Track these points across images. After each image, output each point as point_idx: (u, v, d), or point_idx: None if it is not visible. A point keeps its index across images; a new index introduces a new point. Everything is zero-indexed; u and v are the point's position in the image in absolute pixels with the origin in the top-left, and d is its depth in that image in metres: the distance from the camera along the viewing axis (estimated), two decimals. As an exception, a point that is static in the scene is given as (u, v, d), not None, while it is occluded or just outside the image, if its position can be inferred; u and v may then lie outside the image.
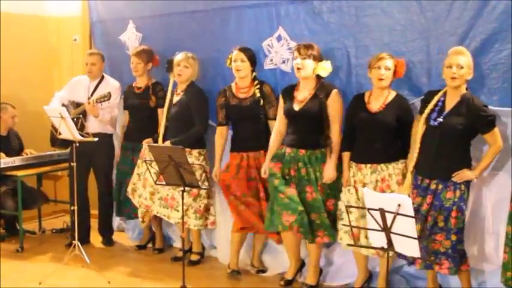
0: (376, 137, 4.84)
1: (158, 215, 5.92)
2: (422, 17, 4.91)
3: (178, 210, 5.54)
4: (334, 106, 5.04)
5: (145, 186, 5.92)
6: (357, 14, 5.20)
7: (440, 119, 4.49)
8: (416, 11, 4.93)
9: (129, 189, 6.12)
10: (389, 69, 4.78)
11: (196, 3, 6.12)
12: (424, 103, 4.66)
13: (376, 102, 4.87)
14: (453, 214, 4.43)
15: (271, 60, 5.65)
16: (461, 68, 4.41)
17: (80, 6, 7.41)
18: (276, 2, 5.56)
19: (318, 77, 5.09)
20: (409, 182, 4.66)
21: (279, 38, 5.58)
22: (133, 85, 6.36)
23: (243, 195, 5.47)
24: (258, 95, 5.45)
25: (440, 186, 4.49)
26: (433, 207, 4.49)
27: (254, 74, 5.52)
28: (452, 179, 4.44)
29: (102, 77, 6.50)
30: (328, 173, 5.02)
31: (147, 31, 6.59)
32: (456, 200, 4.44)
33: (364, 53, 5.11)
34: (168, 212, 5.80)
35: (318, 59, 5.04)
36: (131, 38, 6.73)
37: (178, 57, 5.82)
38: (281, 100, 5.27)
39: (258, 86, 5.47)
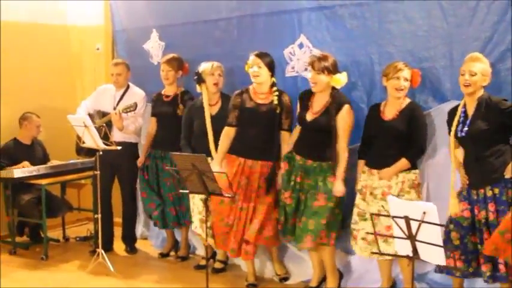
0: (389, 144, 4.87)
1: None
2: (445, 22, 4.89)
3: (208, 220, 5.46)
4: (343, 122, 5.02)
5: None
6: (379, 20, 5.19)
7: (466, 128, 4.47)
8: (439, 16, 4.91)
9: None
10: (407, 80, 4.80)
11: (219, 12, 6.15)
12: (450, 122, 4.64)
13: (390, 110, 4.89)
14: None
15: (293, 67, 5.64)
16: (474, 75, 4.38)
17: (103, 15, 7.47)
18: (297, 9, 5.57)
19: (334, 88, 5.08)
20: (455, 200, 4.58)
21: (300, 46, 5.57)
22: (162, 93, 6.34)
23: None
24: (276, 102, 5.36)
25: (496, 190, 4.41)
26: (501, 212, 4.36)
27: (273, 80, 5.43)
28: (505, 176, 4.37)
29: (128, 86, 6.52)
30: (336, 187, 5.03)
31: (170, 40, 6.62)
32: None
33: (388, 59, 5.08)
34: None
35: (333, 71, 5.01)
36: (154, 47, 6.76)
37: (210, 66, 5.77)
38: (298, 103, 5.28)
39: (277, 94, 5.38)
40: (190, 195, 5.81)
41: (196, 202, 5.82)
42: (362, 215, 4.97)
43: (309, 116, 5.12)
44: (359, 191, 5.03)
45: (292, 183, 5.17)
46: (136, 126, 6.40)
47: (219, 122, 5.67)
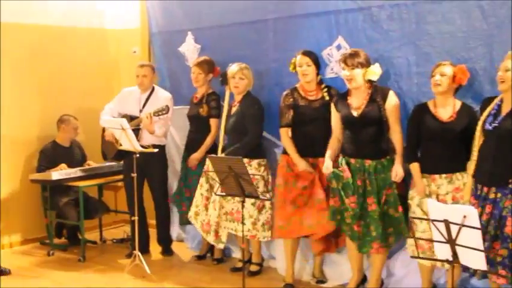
0: (449, 146, 4.73)
1: (225, 229, 5.89)
2: (485, 23, 4.82)
3: (245, 223, 5.52)
4: (393, 108, 4.99)
5: (214, 206, 5.90)
6: (417, 21, 5.14)
7: (496, 123, 4.38)
8: (479, 17, 4.84)
9: (191, 213, 6.11)
10: (444, 75, 4.69)
11: (255, 14, 6.15)
12: (482, 110, 4.55)
13: (444, 110, 4.76)
14: (508, 222, 4.29)
15: (332, 69, 5.60)
16: (508, 70, 4.30)
17: (139, 18, 7.52)
18: (335, 10, 5.53)
19: (370, 81, 5.03)
20: (470, 185, 4.55)
21: (338, 47, 5.53)
22: (194, 95, 6.41)
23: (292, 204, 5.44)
24: (327, 98, 5.39)
25: (499, 195, 4.36)
26: (492, 216, 4.36)
27: (320, 76, 5.47)
28: (510, 185, 4.31)
29: (153, 89, 6.52)
30: (398, 172, 4.93)
31: (206, 42, 6.64)
32: None
33: (425, 60, 5.04)
34: (235, 225, 5.76)
35: (366, 65, 4.98)
36: (190, 49, 6.78)
37: (233, 69, 5.81)
38: (333, 108, 5.21)
39: (326, 89, 5.43)
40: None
41: (196, 195, 6.03)
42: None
43: (355, 112, 5.04)
44: (427, 196, 4.81)
45: (354, 188, 5.05)
46: (166, 128, 6.44)
47: (233, 122, 5.81)
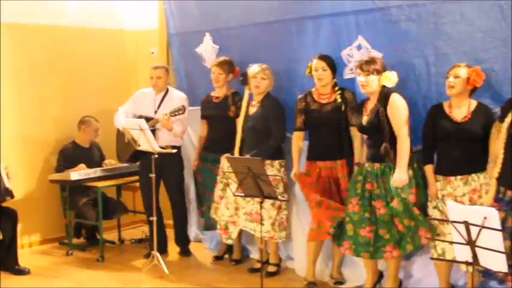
0: (464, 146, 4.70)
1: (245, 229, 5.91)
2: (504, 22, 4.77)
3: (263, 224, 5.54)
4: (394, 111, 4.93)
5: (228, 204, 5.94)
6: (435, 21, 5.09)
7: None
8: (498, 16, 4.79)
9: (212, 209, 6.24)
10: (458, 77, 4.66)
11: (273, 14, 6.13)
12: (504, 111, 4.50)
13: (459, 111, 4.74)
14: None
15: (351, 69, 5.57)
16: None
17: (157, 19, 7.55)
18: (354, 10, 5.50)
19: (384, 87, 5.01)
20: (493, 191, 4.50)
21: (359, 47, 5.49)
22: (211, 95, 6.40)
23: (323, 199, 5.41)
24: (339, 100, 5.40)
25: None
26: None
27: (334, 80, 5.48)
28: None
29: (167, 90, 6.54)
30: (398, 176, 4.85)
31: (223, 43, 6.65)
32: None
33: (444, 61, 5.00)
34: (254, 225, 5.77)
35: (382, 71, 4.97)
36: (208, 50, 6.79)
37: (254, 69, 5.82)
38: (352, 117, 5.31)
39: (339, 92, 5.43)
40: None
41: (215, 192, 6.18)
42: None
43: (365, 120, 5.07)
44: (438, 200, 4.83)
45: (359, 191, 5.05)
46: (184, 128, 6.45)
47: (253, 122, 5.83)
